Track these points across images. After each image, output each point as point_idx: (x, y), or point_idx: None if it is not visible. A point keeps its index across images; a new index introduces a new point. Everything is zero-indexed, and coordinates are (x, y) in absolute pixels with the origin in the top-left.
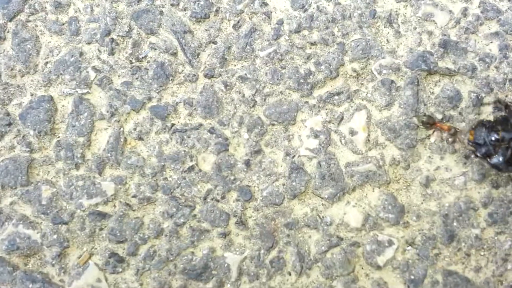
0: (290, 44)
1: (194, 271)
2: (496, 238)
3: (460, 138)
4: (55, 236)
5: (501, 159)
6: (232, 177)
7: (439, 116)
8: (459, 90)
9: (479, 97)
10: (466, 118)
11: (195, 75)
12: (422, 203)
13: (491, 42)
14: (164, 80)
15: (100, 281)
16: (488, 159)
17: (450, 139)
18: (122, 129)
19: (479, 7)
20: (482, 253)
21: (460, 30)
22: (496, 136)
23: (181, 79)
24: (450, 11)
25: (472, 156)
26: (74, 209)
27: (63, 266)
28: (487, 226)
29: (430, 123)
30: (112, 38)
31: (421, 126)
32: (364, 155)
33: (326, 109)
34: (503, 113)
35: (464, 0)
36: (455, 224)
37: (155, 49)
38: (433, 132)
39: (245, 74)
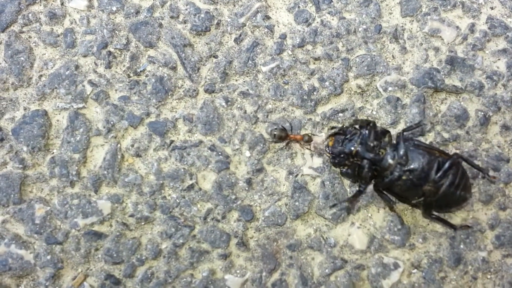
0: (294, 59)
1: None
2: (503, 261)
3: (316, 145)
4: (48, 257)
5: (350, 172)
6: (233, 196)
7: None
8: (466, 108)
9: (487, 116)
10: (473, 137)
11: (195, 90)
12: (428, 224)
13: (499, 59)
14: (163, 95)
15: None
16: (341, 168)
17: (306, 148)
18: (119, 145)
19: (486, 23)
20: (489, 277)
21: (467, 47)
22: (351, 149)
23: (180, 94)
24: (457, 27)
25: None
26: (68, 228)
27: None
28: (494, 249)
29: (282, 136)
30: (109, 51)
31: (274, 140)
32: None
33: (330, 126)
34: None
35: (471, 16)
36: (462, 246)
37: (154, 62)
38: (287, 143)
39: (247, 90)
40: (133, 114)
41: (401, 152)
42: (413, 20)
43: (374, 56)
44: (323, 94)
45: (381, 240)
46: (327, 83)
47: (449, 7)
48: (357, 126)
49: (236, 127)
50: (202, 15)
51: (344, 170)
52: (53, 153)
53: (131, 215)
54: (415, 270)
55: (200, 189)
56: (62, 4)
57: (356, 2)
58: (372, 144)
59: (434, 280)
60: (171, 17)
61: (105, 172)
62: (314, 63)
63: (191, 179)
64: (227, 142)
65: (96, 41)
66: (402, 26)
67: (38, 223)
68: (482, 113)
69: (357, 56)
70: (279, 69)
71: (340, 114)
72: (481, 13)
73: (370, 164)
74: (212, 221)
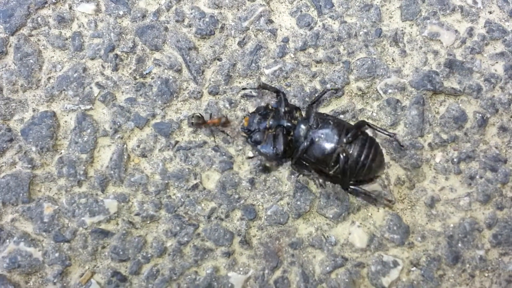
0: (296, 62)
1: None
2: (500, 259)
3: (234, 127)
4: (56, 254)
5: (268, 147)
6: (237, 196)
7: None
8: (464, 110)
9: (484, 118)
10: (471, 138)
11: (199, 92)
12: (427, 223)
13: (497, 63)
14: (169, 97)
15: None
16: (259, 147)
17: (224, 131)
18: (125, 146)
19: (484, 27)
20: (486, 275)
21: (466, 50)
22: (265, 125)
23: (185, 96)
24: (456, 31)
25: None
26: (76, 226)
27: (64, 284)
28: (492, 247)
29: (200, 123)
30: (116, 54)
31: (193, 128)
32: None
33: None
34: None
35: (469, 20)
36: (459, 245)
37: (160, 65)
38: (207, 129)
39: (250, 92)
40: (139, 116)
41: (312, 119)
42: (412, 24)
43: (374, 59)
44: (324, 96)
45: (380, 238)
46: (328, 86)
47: (448, 12)
48: (268, 105)
49: (240, 128)
50: (207, 19)
51: (261, 147)
52: (61, 153)
53: (137, 214)
54: (414, 268)
55: (204, 188)
56: (70, 8)
57: (357, 6)
58: (284, 110)
59: (433, 278)
60: (177, 21)
61: (112, 172)
62: (316, 66)
63: (195, 178)
64: (230, 142)
65: (104, 44)
66: (402, 30)
67: (47, 222)
68: (480, 115)
69: (358, 59)
70: (282, 71)
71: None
72: (479, 17)
73: (284, 131)
74: (216, 219)
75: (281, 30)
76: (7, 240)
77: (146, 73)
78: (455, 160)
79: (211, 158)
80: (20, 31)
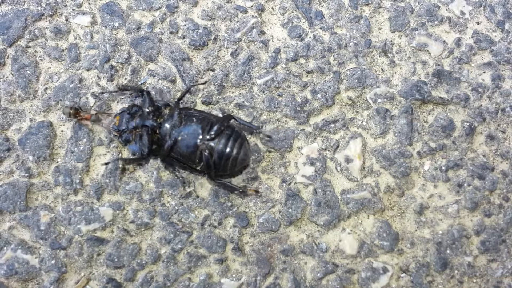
0: (287, 72)
1: None
2: (488, 265)
3: (104, 124)
4: (53, 261)
5: (136, 146)
6: (229, 204)
7: None
8: (452, 119)
9: (472, 126)
10: (459, 147)
11: (193, 102)
12: (416, 230)
13: (484, 72)
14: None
15: None
16: (128, 145)
17: (97, 126)
18: (120, 155)
19: (472, 37)
20: (474, 281)
21: (454, 60)
22: (133, 124)
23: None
24: (444, 42)
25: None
26: (72, 234)
27: None
28: (480, 254)
29: (72, 113)
30: (111, 65)
31: (68, 117)
32: (359, 183)
33: (322, 136)
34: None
35: (457, 31)
36: (448, 251)
37: (154, 76)
38: (78, 120)
39: (243, 102)
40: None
41: (175, 117)
42: (401, 35)
43: (364, 70)
44: (315, 105)
45: (370, 245)
46: (319, 95)
47: (436, 22)
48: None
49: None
50: (200, 31)
51: (130, 147)
52: (57, 162)
53: (132, 222)
54: (403, 274)
55: (198, 196)
56: (66, 20)
57: (347, 18)
58: (148, 110)
59: (422, 284)
60: (171, 33)
61: (107, 180)
62: (307, 76)
63: (189, 187)
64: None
65: (99, 56)
66: (391, 41)
67: (43, 229)
68: (468, 124)
69: (348, 70)
70: (273, 81)
71: (332, 125)
72: (467, 27)
73: (149, 131)
74: (209, 227)
75: (273, 41)
76: (5, 248)
77: (141, 84)
78: (443, 168)
79: None
80: (17, 42)
